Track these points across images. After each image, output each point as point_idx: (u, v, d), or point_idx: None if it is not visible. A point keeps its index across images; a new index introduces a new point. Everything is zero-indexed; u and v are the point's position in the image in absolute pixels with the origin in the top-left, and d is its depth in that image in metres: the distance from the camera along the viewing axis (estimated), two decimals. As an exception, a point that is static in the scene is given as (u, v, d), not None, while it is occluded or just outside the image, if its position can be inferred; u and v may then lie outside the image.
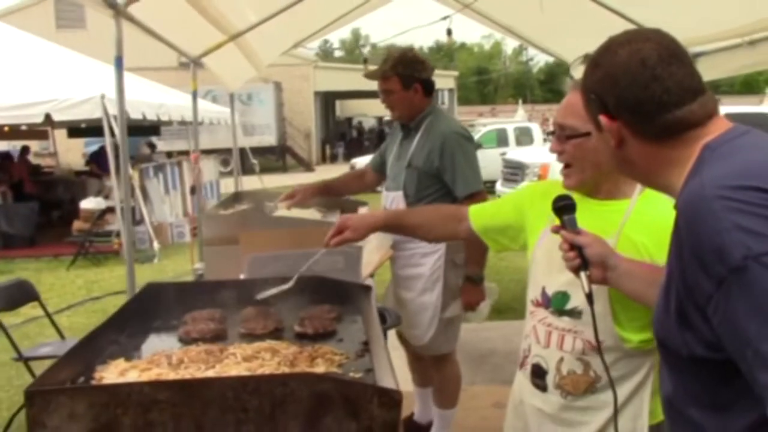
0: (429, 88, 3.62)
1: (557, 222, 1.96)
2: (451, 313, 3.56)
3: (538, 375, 2.06)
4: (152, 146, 17.19)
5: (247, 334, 2.15)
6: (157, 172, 13.62)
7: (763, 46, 4.36)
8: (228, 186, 14.34)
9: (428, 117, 3.59)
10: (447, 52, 65.16)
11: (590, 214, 1.95)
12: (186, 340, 2.11)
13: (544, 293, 2.04)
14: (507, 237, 2.30)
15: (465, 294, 3.51)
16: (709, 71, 5.06)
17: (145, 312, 2.32)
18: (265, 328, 2.16)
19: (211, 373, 1.78)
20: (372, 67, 3.98)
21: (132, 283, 3.57)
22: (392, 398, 1.55)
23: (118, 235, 11.31)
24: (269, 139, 27.50)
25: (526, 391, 2.12)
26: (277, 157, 29.05)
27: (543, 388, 2.05)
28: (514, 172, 11.78)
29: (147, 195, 12.47)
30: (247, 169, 15.12)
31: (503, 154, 14.91)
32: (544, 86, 70.12)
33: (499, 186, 13.07)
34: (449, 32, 6.21)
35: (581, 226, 1.84)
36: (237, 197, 4.39)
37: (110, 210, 11.96)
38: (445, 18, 6.14)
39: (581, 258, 1.78)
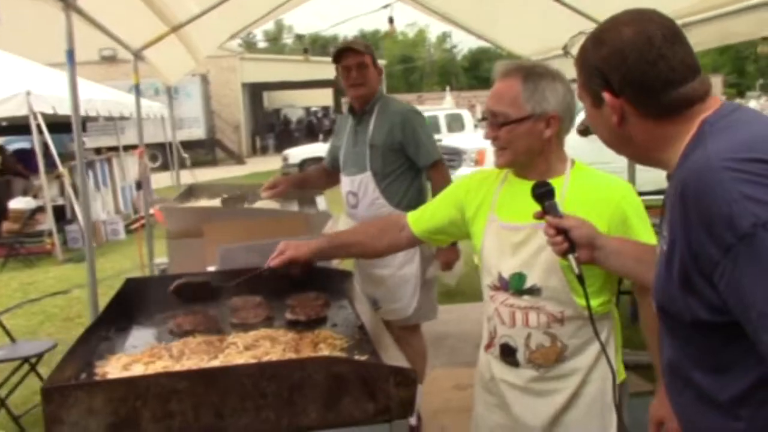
0: (381, 74, 3.91)
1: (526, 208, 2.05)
2: (430, 275, 3.79)
3: (508, 353, 2.15)
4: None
5: (240, 323, 2.15)
6: (87, 169, 13.24)
7: (697, 28, 4.53)
8: (159, 181, 14.08)
9: (379, 101, 3.82)
10: (372, 41, 65.12)
11: (528, 196, 2.03)
12: (178, 333, 2.10)
13: (500, 277, 2.14)
14: (450, 234, 2.41)
15: (442, 254, 3.77)
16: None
17: (129, 307, 2.29)
18: (257, 317, 2.17)
19: (216, 363, 1.79)
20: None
21: (93, 279, 3.51)
22: (408, 377, 1.59)
23: (50, 234, 11.01)
24: (198, 132, 27.09)
25: (497, 369, 2.20)
26: (206, 150, 28.61)
27: (515, 364, 2.15)
28: (451, 158, 11.90)
29: (77, 193, 12.12)
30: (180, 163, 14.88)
31: (438, 141, 15.04)
32: (469, 73, 70.85)
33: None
34: (391, 20, 6.26)
35: (563, 211, 1.91)
36: (191, 191, 4.34)
37: (40, 210, 11.61)
38: (386, 6, 6.19)
39: (568, 241, 1.84)
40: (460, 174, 11.38)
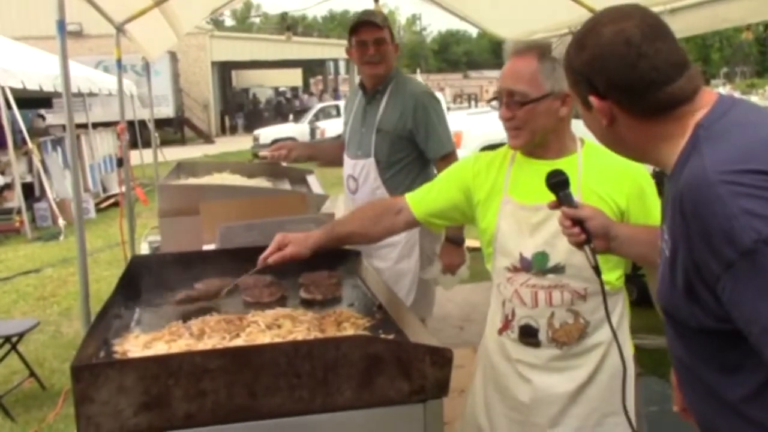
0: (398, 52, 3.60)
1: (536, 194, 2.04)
2: (430, 275, 3.55)
3: (529, 334, 2.14)
4: (43, 118, 16.35)
5: (254, 302, 2.11)
6: (56, 146, 13.01)
7: (683, 14, 4.55)
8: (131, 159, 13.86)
9: (393, 80, 3.53)
10: (341, 22, 64.75)
11: (544, 174, 2.02)
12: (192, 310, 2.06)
13: (522, 258, 2.11)
14: (450, 218, 2.35)
15: (446, 256, 3.49)
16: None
17: (137, 285, 2.24)
18: (271, 296, 2.13)
19: (239, 342, 1.75)
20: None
21: (83, 256, 3.43)
22: (444, 356, 1.57)
23: (18, 212, 10.79)
24: (166, 110, 26.71)
25: (514, 351, 2.19)
26: (175, 129, 28.26)
27: (536, 344, 2.14)
28: (426, 140, 11.88)
29: (47, 170, 11.89)
30: (145, 142, 14.64)
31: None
32: (438, 56, 70.84)
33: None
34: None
35: (577, 199, 1.89)
36: (180, 168, 4.27)
37: (8, 187, 11.37)
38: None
39: (584, 232, 1.81)
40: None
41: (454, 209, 2.29)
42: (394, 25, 67.67)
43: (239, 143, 25.18)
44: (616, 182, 2.06)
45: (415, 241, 3.47)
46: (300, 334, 1.78)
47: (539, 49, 2.09)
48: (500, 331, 2.23)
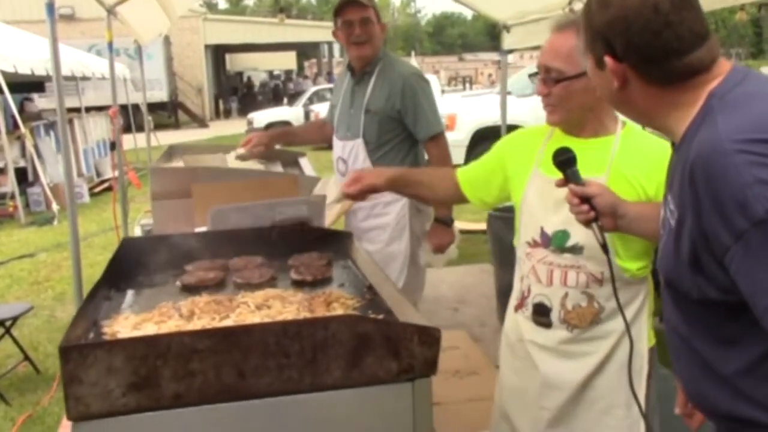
0: (385, 31, 3.56)
1: (548, 170, 2.02)
2: (424, 261, 3.55)
3: (542, 313, 2.12)
4: (30, 101, 16.23)
5: (245, 283, 2.11)
6: (49, 130, 12.95)
7: None
8: (123, 143, 13.82)
9: (381, 60, 3.51)
10: (333, 4, 64.38)
11: (578, 152, 2.01)
12: (189, 288, 2.07)
13: (543, 233, 2.09)
14: (491, 192, 2.33)
15: (435, 236, 3.49)
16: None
17: (128, 268, 2.24)
18: (262, 277, 2.13)
19: (228, 323, 1.75)
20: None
21: (76, 240, 3.43)
22: (432, 335, 1.57)
23: (12, 197, 10.76)
24: (160, 94, 26.59)
25: (527, 330, 2.18)
26: (169, 113, 28.15)
27: (547, 325, 2.12)
28: (421, 123, 11.84)
29: (40, 155, 11.85)
30: (139, 126, 14.58)
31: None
32: (433, 38, 70.57)
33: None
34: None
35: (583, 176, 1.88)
36: (172, 151, 4.25)
37: (1, 171, 11.33)
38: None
39: (592, 209, 1.82)
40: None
41: (491, 182, 2.30)
42: (388, 7, 67.39)
43: (233, 127, 25.10)
44: (650, 169, 2.01)
45: (405, 223, 3.47)
46: (289, 314, 1.79)
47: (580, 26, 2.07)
48: (516, 308, 2.24)
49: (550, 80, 2.05)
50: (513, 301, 2.27)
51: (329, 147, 3.83)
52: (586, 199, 1.82)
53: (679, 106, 1.40)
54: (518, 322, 2.22)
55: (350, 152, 3.53)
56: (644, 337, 2.11)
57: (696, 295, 1.36)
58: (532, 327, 2.16)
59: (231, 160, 3.77)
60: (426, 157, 3.66)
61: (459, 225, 8.53)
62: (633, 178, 2.00)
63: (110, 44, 5.57)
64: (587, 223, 1.83)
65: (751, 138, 1.22)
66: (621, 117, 2.13)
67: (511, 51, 7.62)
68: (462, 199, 2.39)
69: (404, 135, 3.48)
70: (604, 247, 1.82)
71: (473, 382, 4.30)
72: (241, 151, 3.72)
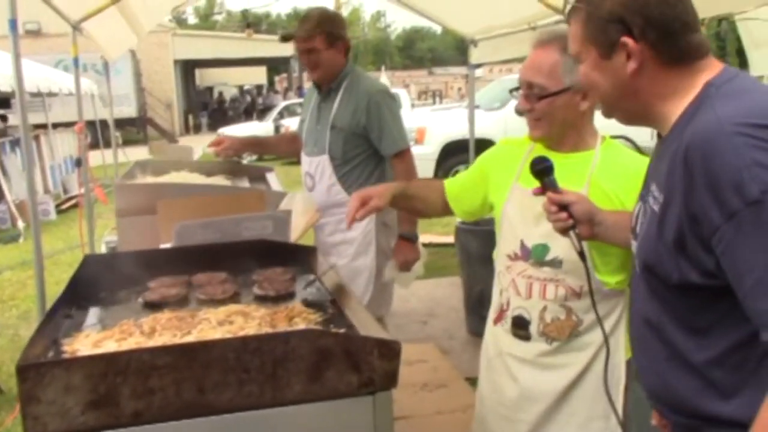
0: (348, 48, 3.56)
1: (525, 181, 2.05)
2: (388, 277, 3.55)
3: (521, 326, 2.14)
4: (4, 119, 16.08)
5: (208, 299, 2.11)
6: (14, 147, 12.78)
7: None
8: (90, 160, 13.67)
9: (347, 77, 3.53)
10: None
11: (557, 166, 2.03)
12: (152, 305, 2.06)
13: (523, 246, 2.12)
14: (474, 204, 2.35)
15: (400, 253, 3.50)
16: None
17: (90, 284, 2.22)
18: (225, 293, 2.13)
19: (190, 339, 1.75)
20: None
21: (39, 258, 3.40)
22: (392, 349, 1.59)
23: (-24, 214, 10.62)
24: (128, 110, 26.38)
25: (506, 343, 2.20)
26: (138, 129, 27.95)
27: (526, 337, 2.14)
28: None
29: (5, 171, 11.70)
30: (107, 142, 14.45)
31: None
32: (403, 53, 70.91)
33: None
34: (336, -4, 6.17)
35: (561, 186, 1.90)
36: (138, 167, 4.23)
37: (-36, 189, 11.17)
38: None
39: (570, 217, 1.84)
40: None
41: (475, 195, 2.33)
42: (359, 22, 67.65)
43: (203, 142, 24.82)
44: (629, 183, 2.01)
45: (372, 238, 3.48)
46: (251, 329, 1.79)
47: (562, 42, 2.04)
48: (495, 321, 2.26)
49: (533, 96, 2.07)
50: (492, 314, 2.29)
51: (299, 161, 3.85)
52: (563, 207, 1.84)
53: (677, 92, 1.45)
54: (497, 335, 2.24)
55: (317, 168, 3.55)
56: (622, 349, 2.13)
57: (676, 279, 1.39)
58: (511, 340, 2.18)
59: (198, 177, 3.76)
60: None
61: (428, 238, 8.59)
62: (611, 192, 2.03)
63: (75, 60, 5.54)
64: (565, 231, 1.85)
65: (750, 122, 1.27)
66: (601, 132, 2.18)
67: (479, 65, 7.71)
68: (450, 211, 2.41)
69: (370, 151, 3.50)
70: (582, 255, 1.85)
71: (442, 395, 4.31)
72: (209, 150, 3.73)
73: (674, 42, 1.44)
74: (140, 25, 6.05)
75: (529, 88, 2.07)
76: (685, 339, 1.44)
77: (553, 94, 2.03)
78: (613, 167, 2.06)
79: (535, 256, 2.10)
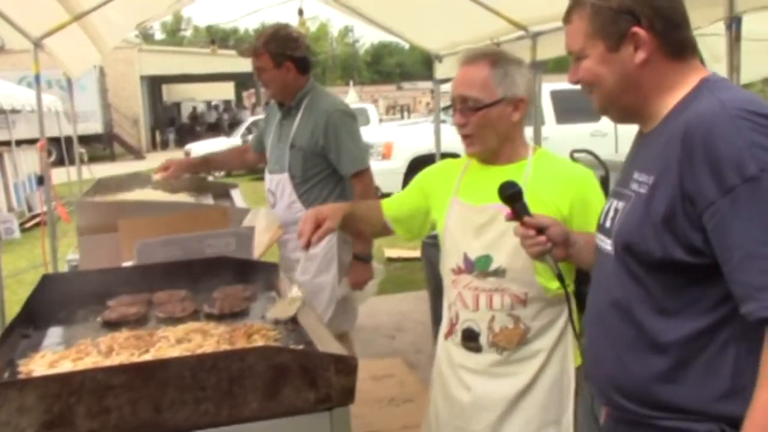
0: (303, 66, 3.56)
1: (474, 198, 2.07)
2: (340, 293, 3.57)
3: (471, 338, 2.17)
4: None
5: (167, 317, 2.11)
6: (-24, 165, 12.63)
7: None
8: (54, 177, 13.49)
9: (308, 95, 3.55)
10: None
11: (493, 178, 2.07)
12: (111, 324, 2.05)
13: (466, 259, 2.15)
14: (416, 223, 2.37)
15: (354, 273, 3.53)
16: (548, 49, 5.42)
17: (48, 304, 2.21)
18: (184, 311, 2.13)
19: (148, 358, 1.75)
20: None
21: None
22: (348, 364, 1.60)
23: (-62, 234, 10.42)
24: (95, 126, 26.15)
25: (457, 356, 2.22)
26: (104, 145, 27.69)
27: (477, 349, 2.17)
28: (358, 152, 11.93)
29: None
30: (72, 159, 14.30)
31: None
32: (371, 67, 71.12)
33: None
34: (300, 12, 6.21)
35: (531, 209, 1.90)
36: (101, 185, 4.20)
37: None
38: (295, -2, 6.14)
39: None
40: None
41: (416, 214, 2.34)
42: (327, 37, 67.76)
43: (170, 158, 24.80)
44: (562, 189, 2.10)
45: (333, 254, 3.50)
46: (209, 347, 1.79)
47: (491, 56, 2.14)
48: (446, 336, 2.28)
49: (468, 110, 2.12)
50: (443, 329, 2.31)
51: (252, 173, 3.93)
52: (540, 231, 1.85)
53: (675, 86, 1.53)
54: (449, 349, 2.27)
55: (278, 185, 3.59)
56: (571, 356, 2.18)
57: (659, 256, 1.45)
58: (463, 353, 2.20)
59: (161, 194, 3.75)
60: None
61: (395, 253, 8.60)
62: (548, 200, 2.08)
63: (37, 77, 5.48)
64: (541, 255, 1.86)
65: (750, 109, 1.37)
66: (531, 142, 2.24)
67: (445, 80, 7.78)
68: (389, 231, 2.43)
69: (330, 170, 3.53)
70: (560, 277, 1.86)
71: (408, 410, 4.33)
72: (156, 177, 3.73)
73: (677, 34, 1.53)
74: (104, 42, 6.00)
75: (464, 102, 2.12)
76: (654, 320, 1.50)
77: (488, 106, 2.09)
78: (547, 175, 2.12)
79: (479, 267, 2.13)
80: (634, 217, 1.51)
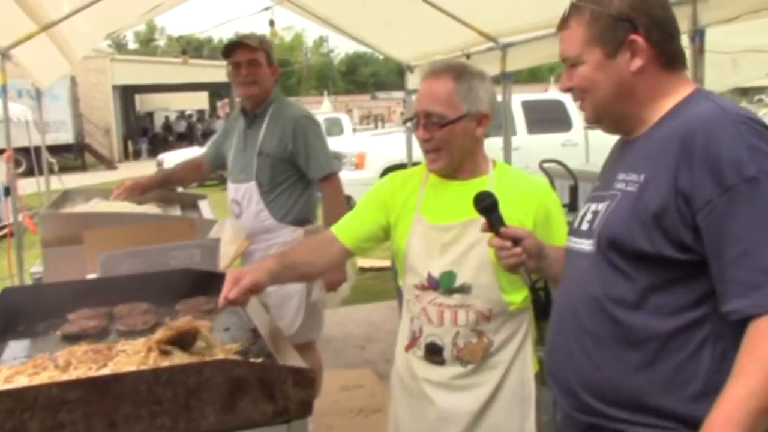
0: (277, 75, 3.67)
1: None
2: (316, 297, 3.60)
3: (435, 352, 2.17)
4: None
5: (128, 331, 2.09)
6: (-60, 175, 12.42)
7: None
8: (24, 188, 13.33)
9: (273, 103, 3.61)
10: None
11: (456, 195, 2.08)
12: (71, 338, 2.04)
13: (430, 277, 2.14)
14: (379, 240, 2.33)
15: (327, 274, 3.48)
16: (518, 61, 5.47)
17: (8, 317, 2.19)
18: (145, 324, 2.12)
19: (105, 372, 1.73)
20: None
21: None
22: (306, 377, 1.60)
23: None
24: (66, 136, 25.92)
25: (419, 368, 2.22)
26: (75, 155, 27.42)
27: (441, 362, 2.16)
28: (331, 162, 11.93)
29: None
30: (43, 169, 14.12)
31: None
32: (346, 77, 71.20)
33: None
34: (272, 23, 6.21)
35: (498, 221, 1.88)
36: (68, 196, 4.17)
37: None
38: (266, 9, 6.14)
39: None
40: (341, 178, 11.41)
41: (380, 230, 2.29)
42: (301, 47, 67.79)
43: (143, 169, 24.54)
44: (525, 204, 2.10)
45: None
46: (168, 360, 1.78)
47: (454, 70, 2.13)
48: (407, 348, 2.27)
49: (431, 125, 2.10)
50: (404, 340, 2.31)
51: (223, 183, 3.93)
52: (515, 242, 1.83)
53: (667, 95, 1.57)
54: (410, 361, 2.26)
55: (244, 195, 3.59)
56: (530, 364, 2.20)
57: (648, 249, 1.47)
58: (425, 365, 2.20)
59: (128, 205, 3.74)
60: (319, 195, 3.75)
61: (367, 263, 8.58)
62: (512, 215, 2.05)
63: (4, 87, 5.42)
64: (516, 267, 1.84)
65: (748, 116, 1.42)
66: (492, 156, 2.23)
67: (416, 91, 7.81)
68: (349, 255, 2.36)
69: (297, 176, 3.57)
70: (534, 289, 1.90)
71: (378, 420, 4.32)
72: (114, 195, 3.74)
73: (672, 45, 1.57)
74: (73, 52, 5.95)
75: (427, 117, 2.11)
76: (633, 315, 1.51)
77: (452, 122, 2.08)
78: (508, 190, 2.11)
79: (444, 284, 2.13)
80: (621, 213, 1.52)
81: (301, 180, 3.59)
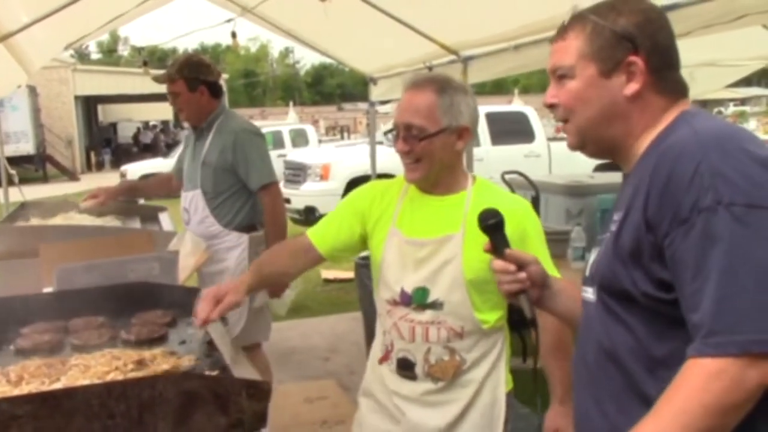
0: (215, 90, 3.82)
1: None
2: (259, 303, 3.72)
3: (406, 367, 2.16)
4: None
5: (82, 345, 2.07)
6: None
7: (527, 50, 4.83)
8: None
9: (219, 117, 3.78)
10: (212, 55, 63.98)
11: (432, 210, 2.07)
12: (24, 352, 2.02)
13: (403, 292, 2.13)
14: (356, 248, 2.32)
15: None
16: (479, 73, 5.53)
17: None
18: (100, 338, 2.10)
19: (58, 386, 1.72)
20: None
21: None
22: (261, 389, 1.60)
23: None
24: (26, 147, 25.54)
25: (391, 382, 2.20)
26: (36, 166, 27.02)
27: (412, 378, 2.15)
28: (296, 173, 11.88)
29: None
30: (1, 180, 13.90)
31: (282, 156, 15.01)
32: (312, 89, 71.21)
33: (282, 188, 13.08)
34: (234, 35, 6.20)
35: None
36: (24, 208, 4.12)
37: None
38: (229, 21, 6.13)
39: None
40: (306, 189, 11.42)
41: (355, 238, 2.26)
42: (267, 58, 67.63)
43: (106, 180, 24.27)
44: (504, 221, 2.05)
45: (244, 268, 3.59)
46: (121, 374, 1.77)
47: (438, 84, 2.10)
48: (381, 361, 2.25)
49: (412, 138, 2.08)
50: (378, 353, 2.28)
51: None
52: (522, 267, 1.66)
53: (657, 126, 1.45)
54: (383, 374, 2.24)
55: (191, 202, 3.77)
56: (502, 384, 2.19)
57: (634, 293, 1.36)
58: (397, 379, 2.19)
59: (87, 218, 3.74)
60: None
61: (332, 274, 8.58)
62: None
63: (-39, 98, 5.34)
64: (516, 294, 1.66)
65: (725, 138, 1.30)
66: (471, 173, 2.20)
67: (381, 102, 7.85)
68: (320, 260, 2.33)
69: (240, 185, 3.74)
70: (533, 322, 1.69)
71: (341, 432, 4.32)
72: (85, 205, 3.82)
73: (671, 75, 1.46)
74: (30, 62, 5.88)
75: (408, 129, 2.08)
76: (642, 369, 1.38)
77: (432, 135, 2.06)
78: (485, 207, 2.09)
79: (416, 300, 2.11)
80: (606, 255, 1.43)
81: (244, 189, 3.75)
